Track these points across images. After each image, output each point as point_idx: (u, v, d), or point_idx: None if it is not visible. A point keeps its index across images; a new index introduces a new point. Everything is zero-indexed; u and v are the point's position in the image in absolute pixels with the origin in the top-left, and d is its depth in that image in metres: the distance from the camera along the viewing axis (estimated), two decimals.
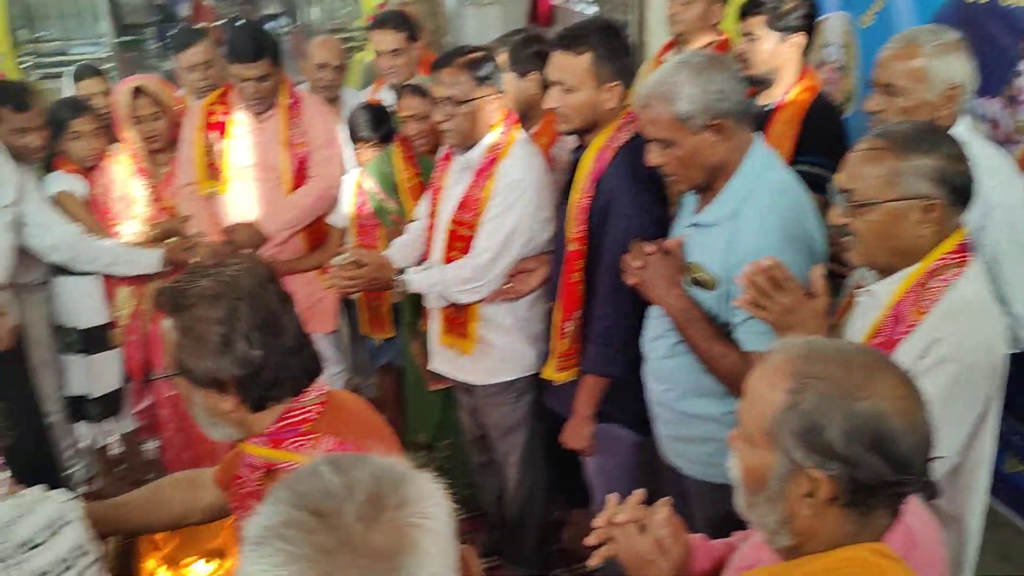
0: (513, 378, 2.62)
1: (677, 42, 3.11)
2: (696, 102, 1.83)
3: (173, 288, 1.38)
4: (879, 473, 1.04)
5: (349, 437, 1.42)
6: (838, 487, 1.05)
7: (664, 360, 2.07)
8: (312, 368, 1.43)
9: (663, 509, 1.42)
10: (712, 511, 2.01)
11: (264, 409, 1.38)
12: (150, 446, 3.69)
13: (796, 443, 1.06)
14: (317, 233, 3.24)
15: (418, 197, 2.99)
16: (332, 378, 3.42)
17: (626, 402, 2.32)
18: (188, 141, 3.08)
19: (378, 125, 3.07)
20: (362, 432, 1.46)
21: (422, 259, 2.72)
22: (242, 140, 3.08)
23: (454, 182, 2.57)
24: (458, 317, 2.57)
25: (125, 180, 3.09)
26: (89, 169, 3.09)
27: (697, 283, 1.94)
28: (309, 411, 1.42)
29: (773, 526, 1.12)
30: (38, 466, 3.14)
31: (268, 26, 10.80)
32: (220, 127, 3.07)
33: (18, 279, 3.00)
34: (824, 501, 1.06)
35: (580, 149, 2.36)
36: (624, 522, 1.39)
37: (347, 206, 3.19)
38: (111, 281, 3.15)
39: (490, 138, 2.46)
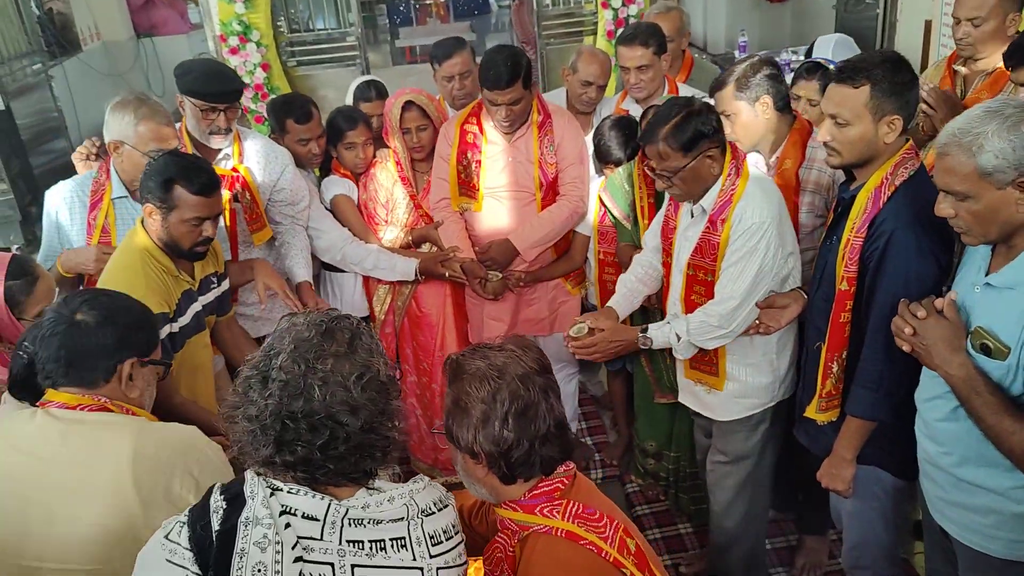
0: (752, 413, 2.60)
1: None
2: (1005, 157, 1.69)
3: (456, 360, 1.56)
4: None
5: (595, 504, 1.54)
6: None
7: (941, 423, 1.95)
8: (561, 456, 1.55)
9: None
10: None
11: (514, 483, 1.53)
12: None
13: None
14: (563, 241, 3.31)
15: (651, 217, 2.96)
16: (564, 378, 3.52)
17: (890, 446, 2.25)
18: (443, 158, 3.20)
19: (627, 144, 3.06)
20: (603, 504, 1.57)
21: (661, 300, 2.73)
22: (494, 160, 3.16)
23: (687, 224, 2.53)
24: (706, 354, 2.55)
25: (389, 186, 3.29)
26: (358, 174, 3.32)
27: (985, 350, 1.81)
28: (559, 482, 1.55)
29: None
30: None
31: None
32: (474, 146, 3.15)
33: None
34: None
35: (847, 183, 2.26)
36: None
37: (590, 215, 3.24)
38: (370, 279, 3.39)
39: (719, 185, 2.41)
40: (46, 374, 1.73)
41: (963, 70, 2.89)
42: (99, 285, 2.40)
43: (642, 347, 2.56)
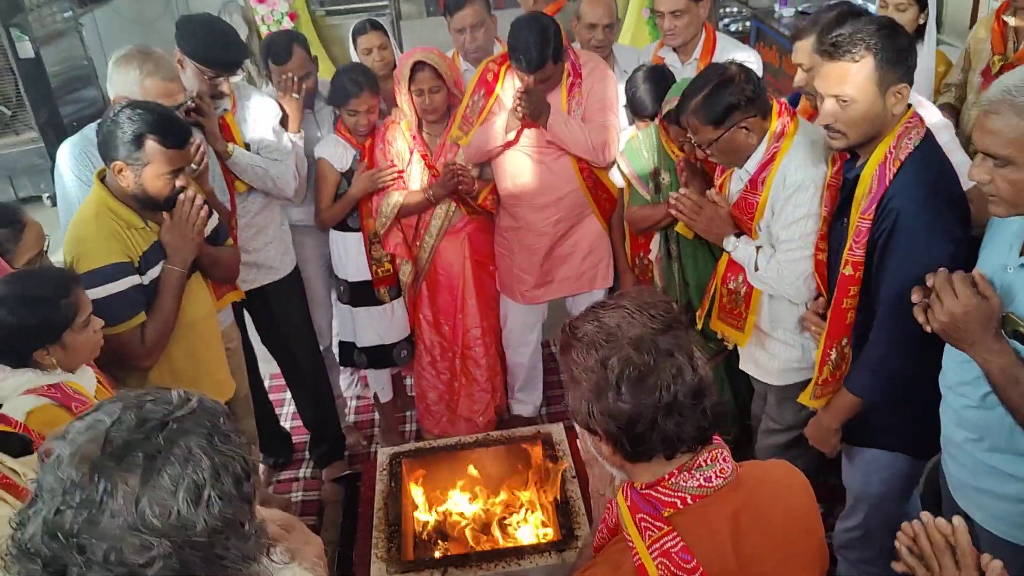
0: (803, 379, 2.48)
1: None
2: None
3: (568, 325, 1.33)
4: None
5: (705, 549, 1.24)
6: None
7: (971, 410, 1.84)
8: (692, 436, 1.27)
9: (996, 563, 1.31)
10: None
11: (639, 462, 1.30)
12: (409, 383, 3.96)
13: None
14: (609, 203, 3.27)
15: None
16: None
17: (910, 428, 2.18)
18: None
19: (661, 97, 2.88)
20: (722, 552, 1.26)
21: None
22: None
23: (737, 189, 2.48)
24: (736, 307, 2.49)
25: (406, 155, 3.17)
26: (359, 136, 3.19)
27: (1018, 337, 1.66)
28: (682, 497, 1.28)
29: None
30: (316, 393, 3.45)
31: None
32: (489, 87, 3.06)
33: (296, 220, 3.28)
34: None
35: (852, 160, 2.12)
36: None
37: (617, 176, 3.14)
38: (371, 245, 3.27)
39: (761, 148, 2.33)
40: None
41: (1013, 20, 2.70)
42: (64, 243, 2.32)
43: (723, 246, 2.54)
